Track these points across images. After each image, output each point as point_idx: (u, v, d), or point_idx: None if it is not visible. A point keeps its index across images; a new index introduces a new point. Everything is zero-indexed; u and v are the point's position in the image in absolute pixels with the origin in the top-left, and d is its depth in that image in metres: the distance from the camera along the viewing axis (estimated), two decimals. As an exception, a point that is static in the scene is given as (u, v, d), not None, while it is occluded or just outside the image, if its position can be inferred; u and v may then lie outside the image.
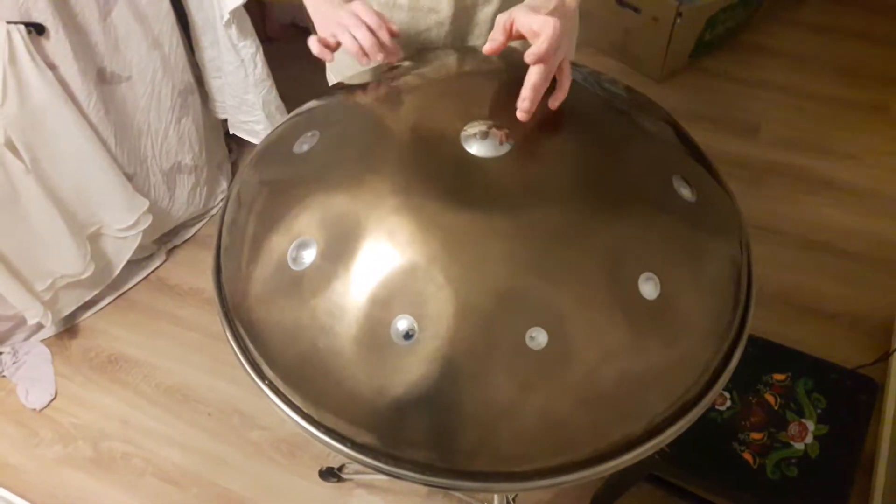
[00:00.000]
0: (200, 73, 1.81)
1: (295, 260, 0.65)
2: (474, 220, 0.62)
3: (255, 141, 1.83)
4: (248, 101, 1.72)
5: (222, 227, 0.75)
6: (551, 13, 0.69)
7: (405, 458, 0.62)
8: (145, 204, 1.74)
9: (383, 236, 0.62)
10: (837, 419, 1.13)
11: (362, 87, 0.79)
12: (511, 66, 0.79)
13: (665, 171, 0.71)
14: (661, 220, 0.67)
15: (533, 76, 0.68)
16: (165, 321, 1.82)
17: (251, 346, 0.67)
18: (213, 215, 2.03)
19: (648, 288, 0.62)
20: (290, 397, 0.65)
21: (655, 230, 0.66)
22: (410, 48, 0.92)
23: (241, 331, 0.68)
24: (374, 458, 0.62)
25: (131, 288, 1.89)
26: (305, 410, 0.64)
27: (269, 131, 1.79)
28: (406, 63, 0.81)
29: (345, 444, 0.63)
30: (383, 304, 0.60)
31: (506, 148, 0.67)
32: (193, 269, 1.93)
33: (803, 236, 1.82)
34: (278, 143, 0.78)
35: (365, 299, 0.61)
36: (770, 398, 1.17)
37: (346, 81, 0.83)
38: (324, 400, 0.63)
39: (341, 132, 0.72)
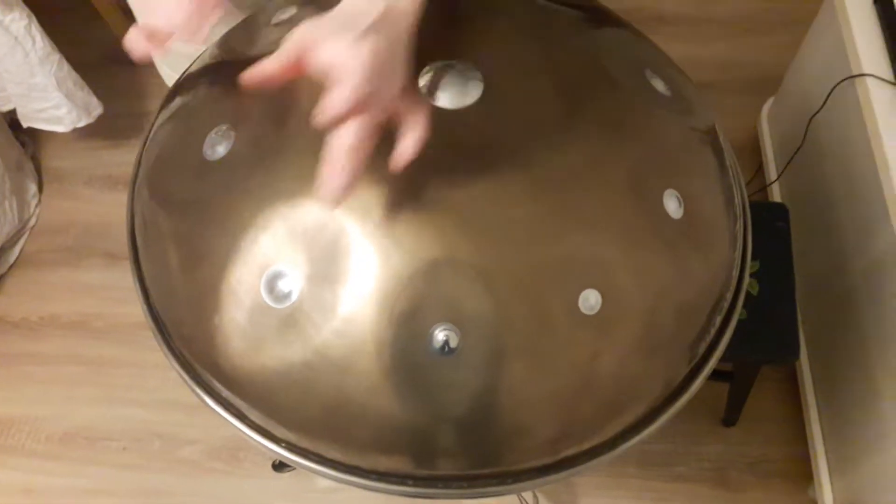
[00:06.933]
0: (-42, 65, 1.45)
1: (273, 294, 0.52)
2: (483, 190, 0.52)
3: (60, 129, 1.52)
4: (38, 85, 1.41)
5: (145, 283, 0.59)
6: (365, 34, 0.45)
7: (484, 475, 0.54)
8: (-51, 241, 1.42)
9: (381, 237, 0.51)
10: (764, 252, 1.18)
11: (254, 57, 0.63)
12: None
13: (637, 71, 0.64)
14: (656, 126, 0.60)
15: (339, 140, 0.46)
16: (27, 363, 1.55)
17: (252, 411, 0.54)
18: (33, 227, 1.71)
19: (673, 205, 0.57)
20: (323, 455, 0.54)
21: (656, 139, 0.60)
22: None
23: (234, 399, 0.55)
24: (446, 486, 0.54)
25: (-33, 340, 1.58)
26: (350, 463, 0.54)
27: (74, 114, 1.52)
28: (294, 10, 0.65)
29: (406, 484, 0.54)
30: (411, 320, 0.50)
31: (477, 91, 0.55)
32: (35, 294, 1.64)
33: (654, 78, 1.85)
34: (174, 153, 0.61)
35: (386, 320, 0.50)
36: (701, 250, 1.20)
37: (225, 43, 0.66)
38: (370, 445, 0.53)
39: (263, 120, 0.57)
